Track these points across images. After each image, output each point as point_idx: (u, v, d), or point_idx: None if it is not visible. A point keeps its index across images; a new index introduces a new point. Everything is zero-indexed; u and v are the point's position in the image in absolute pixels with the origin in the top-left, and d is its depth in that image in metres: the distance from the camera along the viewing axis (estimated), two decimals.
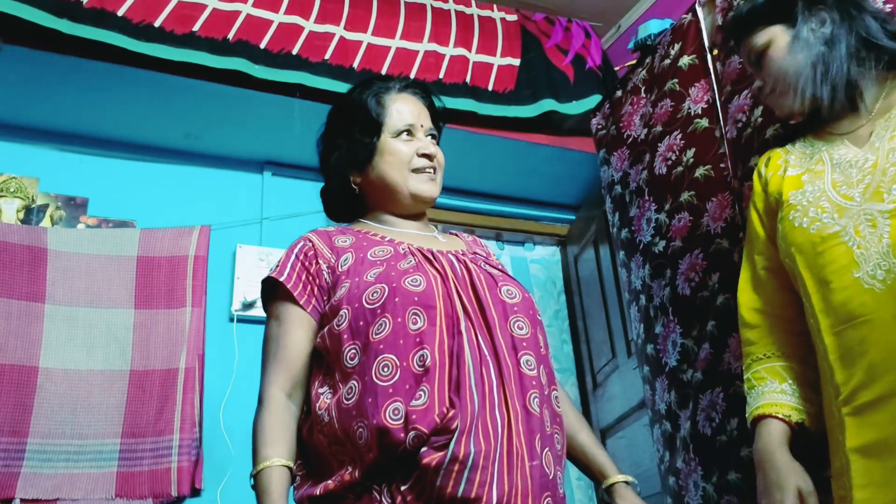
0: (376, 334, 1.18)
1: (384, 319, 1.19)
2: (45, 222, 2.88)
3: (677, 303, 2.05)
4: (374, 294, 1.21)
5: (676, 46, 2.24)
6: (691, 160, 2.09)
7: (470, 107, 3.05)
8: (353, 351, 1.20)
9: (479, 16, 3.34)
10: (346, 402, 1.17)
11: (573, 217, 3.68)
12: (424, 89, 1.52)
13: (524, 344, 1.23)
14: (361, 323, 1.21)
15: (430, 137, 1.46)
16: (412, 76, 3.00)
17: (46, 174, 2.93)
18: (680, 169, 2.12)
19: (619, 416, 3.09)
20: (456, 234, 1.53)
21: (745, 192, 1.91)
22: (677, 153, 2.14)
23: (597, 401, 3.32)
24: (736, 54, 2.02)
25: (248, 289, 2.91)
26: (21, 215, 2.85)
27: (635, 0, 3.49)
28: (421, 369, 1.15)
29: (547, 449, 1.17)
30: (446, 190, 3.40)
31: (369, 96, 1.45)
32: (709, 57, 2.13)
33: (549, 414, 1.21)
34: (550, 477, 1.15)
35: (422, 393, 1.13)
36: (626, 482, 1.36)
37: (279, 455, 1.19)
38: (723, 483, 1.81)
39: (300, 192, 3.24)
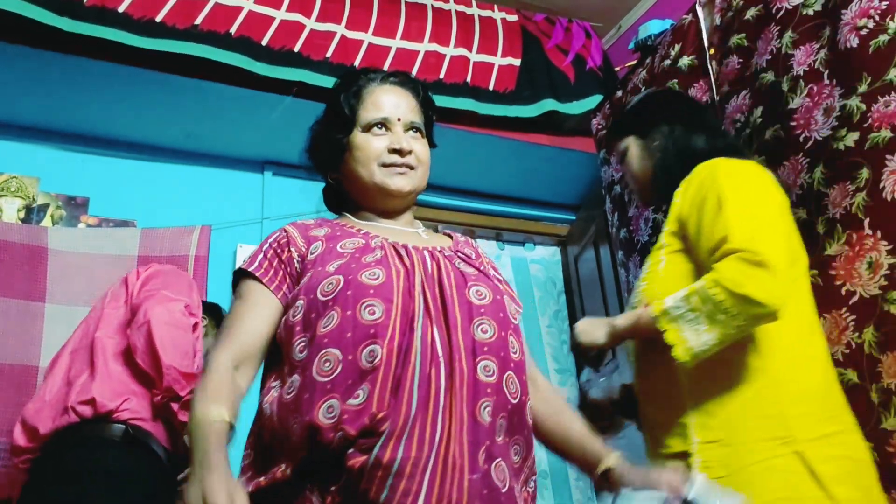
0: (323, 328, 1.12)
1: (333, 312, 1.13)
2: (46, 222, 2.88)
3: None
4: (329, 285, 1.16)
5: (676, 47, 2.25)
6: None
7: (470, 107, 3.06)
8: (303, 344, 1.14)
9: (479, 16, 3.34)
10: (286, 396, 1.12)
11: (573, 217, 3.68)
12: (411, 81, 1.44)
13: (485, 348, 1.14)
14: (313, 315, 1.15)
15: (412, 131, 1.37)
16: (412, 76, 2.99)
17: (47, 174, 2.94)
18: None
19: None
20: (448, 234, 1.45)
21: None
22: None
23: None
24: (734, 54, 2.02)
25: None
26: (22, 215, 2.85)
27: (636, 1, 3.49)
28: (369, 365, 1.08)
29: (499, 460, 1.10)
30: (447, 190, 3.43)
31: (346, 91, 1.39)
32: (707, 57, 2.14)
33: (507, 424, 1.13)
34: (504, 490, 1.08)
35: (361, 392, 1.07)
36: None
37: (219, 412, 1.08)
38: None
39: (300, 192, 3.24)
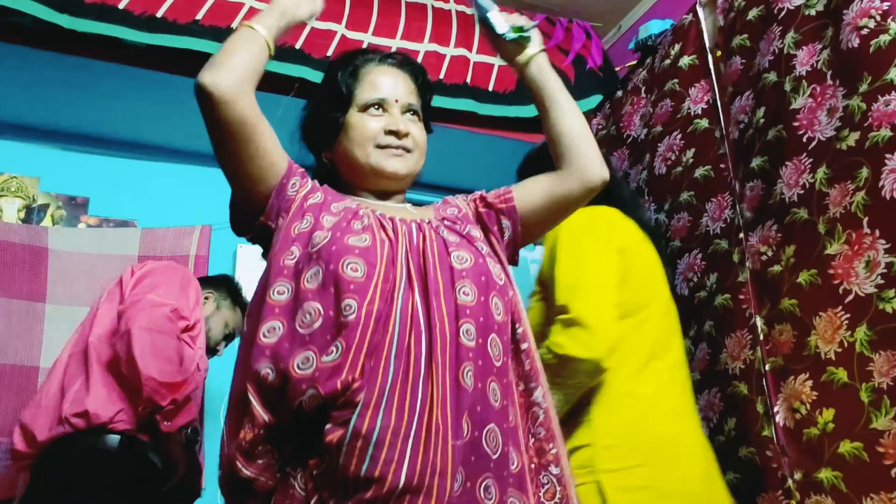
0: (307, 282, 1.10)
1: (318, 267, 1.11)
2: (46, 222, 2.88)
3: (676, 303, 2.05)
4: (318, 238, 1.14)
5: (677, 47, 2.25)
6: (691, 160, 2.09)
7: (470, 107, 3.05)
8: (284, 288, 1.12)
9: None
10: (262, 339, 1.09)
11: None
12: (410, 63, 1.42)
13: (467, 311, 1.12)
14: (300, 266, 1.13)
15: (409, 113, 1.35)
16: None
17: (47, 174, 2.94)
18: (679, 169, 2.12)
19: None
20: (431, 205, 1.41)
21: (745, 193, 1.91)
22: (677, 153, 2.14)
23: None
24: (737, 55, 2.02)
25: (249, 288, 2.91)
26: (22, 215, 2.86)
27: (636, 1, 3.49)
28: (344, 319, 1.06)
29: (491, 426, 1.07)
30: (447, 190, 3.42)
31: (344, 69, 1.36)
32: (709, 57, 2.14)
33: (497, 387, 1.11)
34: (495, 456, 1.06)
35: (335, 349, 1.05)
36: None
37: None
38: None
39: None
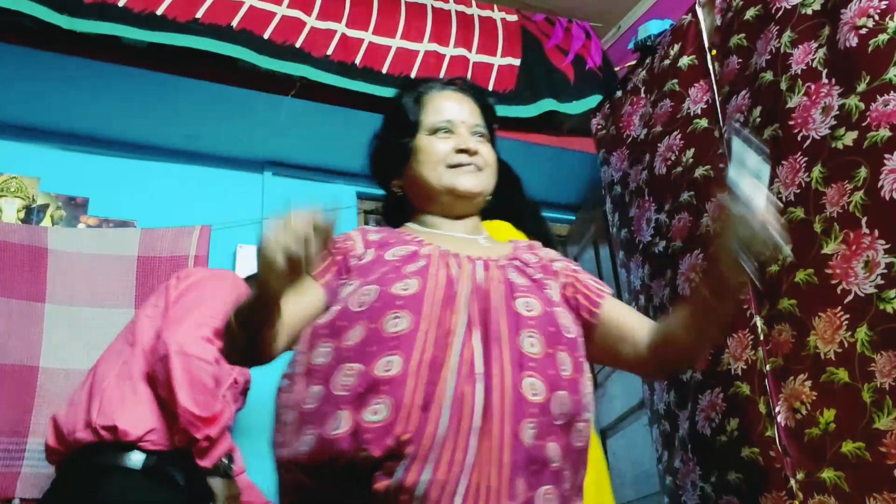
0: (348, 340, 1.07)
1: (359, 325, 1.08)
2: (46, 222, 2.88)
3: (677, 303, 2.05)
4: (363, 296, 1.11)
5: (676, 47, 2.25)
6: (691, 160, 2.09)
7: None
8: (326, 350, 1.09)
9: (479, 16, 3.34)
10: (304, 406, 1.06)
11: (573, 217, 3.68)
12: (472, 87, 1.43)
13: (532, 364, 1.07)
14: (341, 324, 1.10)
15: (477, 135, 1.35)
16: (412, 76, 3.00)
17: (47, 174, 2.94)
18: (679, 169, 2.12)
19: (619, 416, 3.09)
20: (512, 242, 1.39)
21: None
22: (677, 153, 2.14)
23: (597, 401, 3.30)
24: (734, 54, 2.02)
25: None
26: (21, 215, 2.86)
27: (635, 1, 3.49)
28: (383, 376, 1.02)
29: (549, 488, 1.02)
30: None
31: (408, 97, 1.38)
32: (708, 57, 2.14)
33: (557, 447, 1.05)
34: None
35: (380, 407, 1.00)
36: None
37: None
38: (723, 483, 1.81)
39: (300, 192, 3.25)
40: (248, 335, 1.10)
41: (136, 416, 1.82)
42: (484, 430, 1.01)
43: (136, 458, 1.79)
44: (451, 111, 1.35)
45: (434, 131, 1.33)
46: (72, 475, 1.84)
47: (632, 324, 1.29)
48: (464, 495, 0.97)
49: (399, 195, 1.38)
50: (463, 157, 1.31)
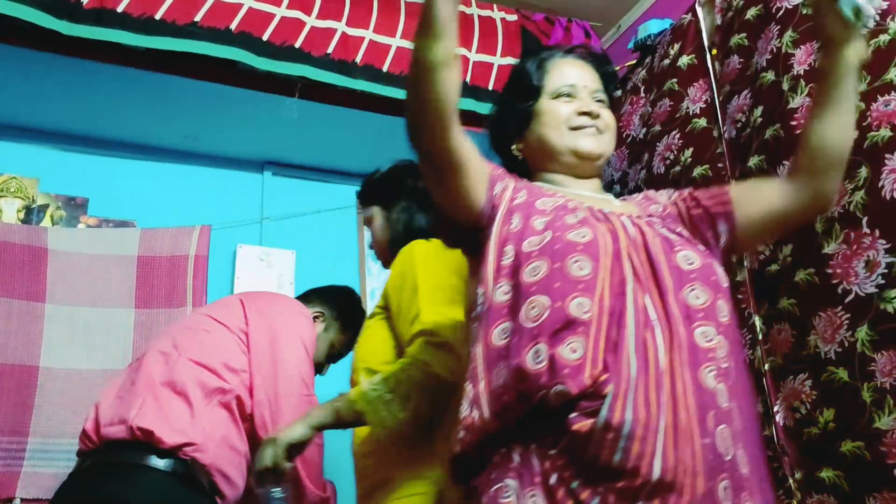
0: (530, 276, 1.10)
1: (539, 262, 1.11)
2: (46, 222, 2.88)
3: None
4: (536, 239, 1.14)
5: (676, 46, 2.25)
6: (689, 160, 2.09)
7: (470, 106, 3.04)
8: (505, 288, 1.13)
9: (478, 16, 3.33)
10: (495, 343, 1.10)
11: None
12: (593, 55, 1.47)
13: (700, 314, 1.10)
14: (518, 264, 1.13)
15: (597, 102, 1.38)
16: None
17: (47, 174, 2.94)
18: (678, 168, 2.12)
19: None
20: (627, 199, 1.43)
21: None
22: (675, 153, 2.14)
23: None
24: (735, 54, 2.02)
25: (250, 288, 2.91)
26: (21, 215, 2.86)
27: (635, 0, 3.49)
28: (579, 316, 1.05)
29: (724, 426, 1.04)
30: None
31: (531, 63, 1.42)
32: (708, 57, 2.14)
33: (727, 387, 1.08)
34: (728, 458, 1.03)
35: (577, 345, 1.04)
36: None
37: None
38: None
39: (300, 192, 3.25)
40: (428, 60, 1.10)
41: (203, 430, 1.80)
42: (669, 373, 1.04)
43: (164, 462, 1.76)
44: (573, 76, 1.39)
45: (557, 95, 1.37)
46: (97, 468, 1.81)
47: (763, 181, 1.37)
48: (664, 433, 1.00)
49: (519, 160, 1.41)
50: (585, 120, 1.34)
